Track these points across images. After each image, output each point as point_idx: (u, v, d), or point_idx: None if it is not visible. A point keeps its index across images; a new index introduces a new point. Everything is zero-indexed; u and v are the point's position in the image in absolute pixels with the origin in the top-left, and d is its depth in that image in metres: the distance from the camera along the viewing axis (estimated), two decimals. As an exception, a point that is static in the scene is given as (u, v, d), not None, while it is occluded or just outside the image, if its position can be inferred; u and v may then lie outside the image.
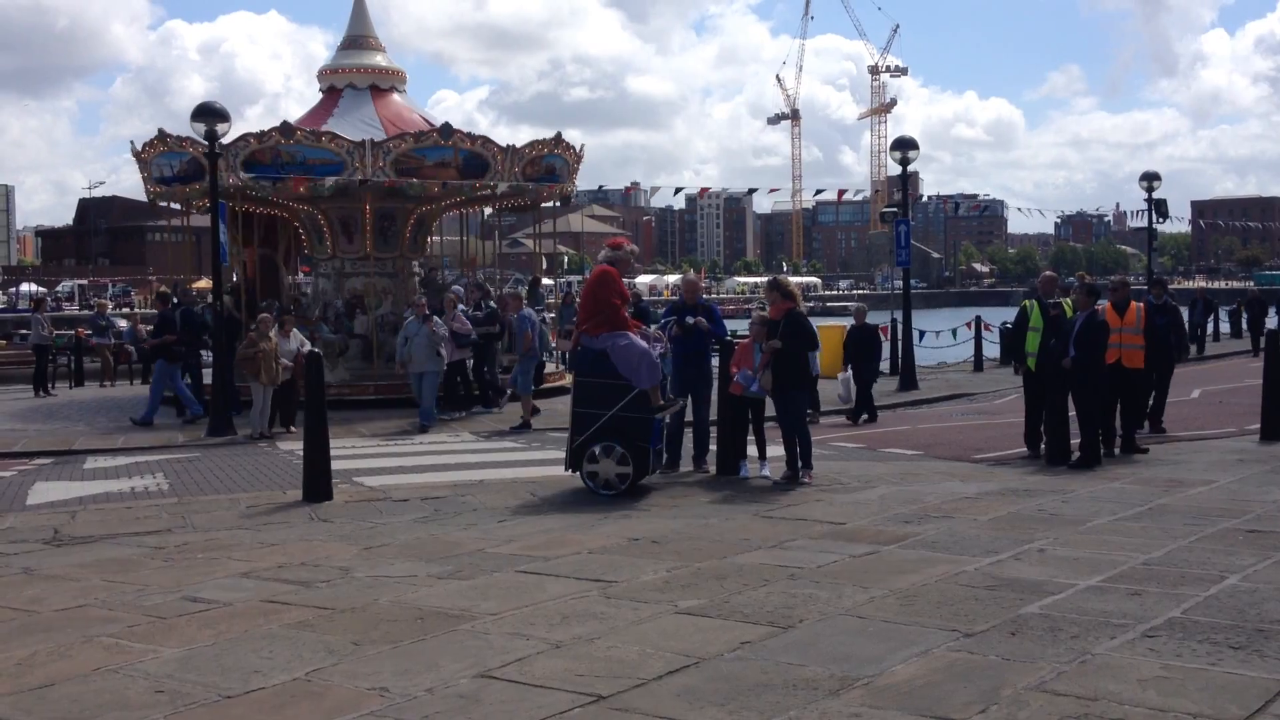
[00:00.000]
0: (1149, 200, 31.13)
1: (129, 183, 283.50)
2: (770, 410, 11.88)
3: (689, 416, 12.44)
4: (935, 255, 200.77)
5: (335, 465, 11.67)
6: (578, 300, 21.68)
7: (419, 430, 16.94)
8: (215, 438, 16.78)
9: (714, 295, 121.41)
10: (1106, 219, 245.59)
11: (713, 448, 12.31)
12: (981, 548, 8.22)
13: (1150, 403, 14.64)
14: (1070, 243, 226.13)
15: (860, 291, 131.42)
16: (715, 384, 12.43)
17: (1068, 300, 12.89)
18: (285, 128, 20.00)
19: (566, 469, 11.25)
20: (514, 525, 9.69)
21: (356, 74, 22.20)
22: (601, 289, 11.08)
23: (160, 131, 21.05)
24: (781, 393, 11.29)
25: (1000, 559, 7.86)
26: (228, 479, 12.81)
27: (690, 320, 11.94)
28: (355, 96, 21.78)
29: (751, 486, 11.36)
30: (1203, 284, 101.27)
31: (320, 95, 22.35)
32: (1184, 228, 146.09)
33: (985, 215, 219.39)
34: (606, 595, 7.15)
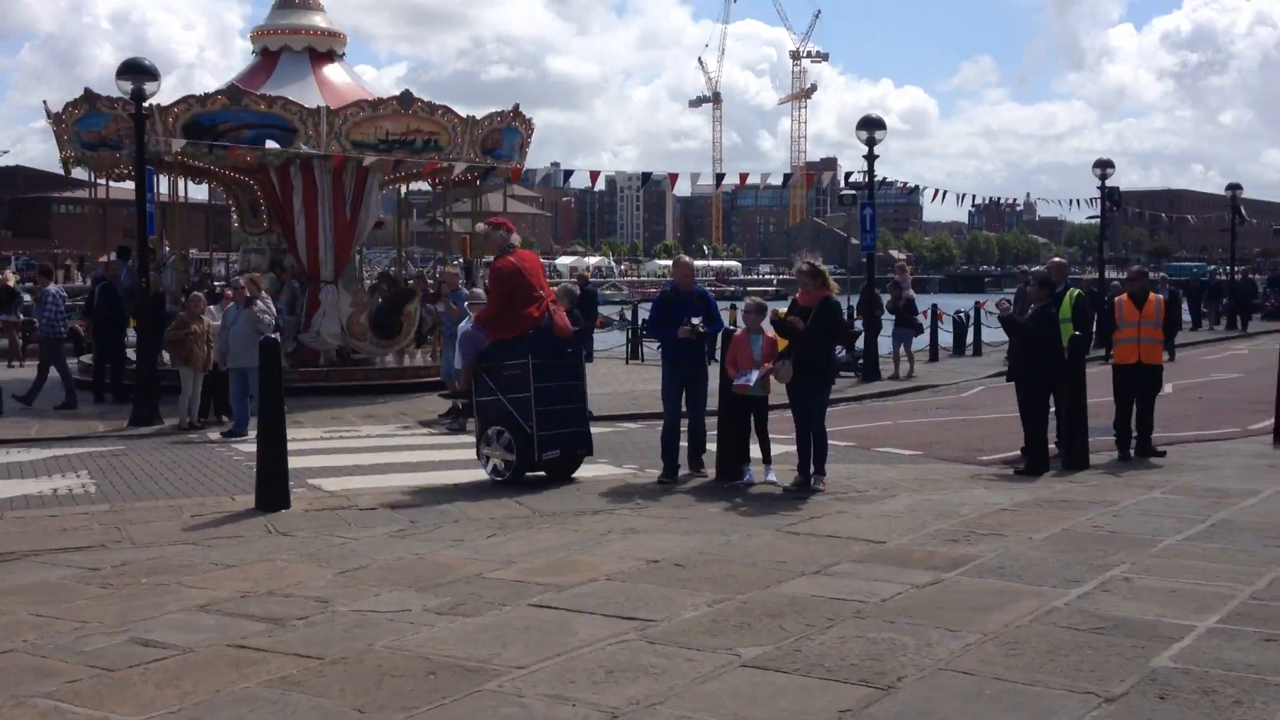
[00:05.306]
0: (1102, 188, 30.55)
1: (35, 152, 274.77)
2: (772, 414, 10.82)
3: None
4: (855, 242, 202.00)
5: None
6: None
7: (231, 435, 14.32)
8: (140, 427, 15.32)
9: (634, 277, 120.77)
10: (1019, 208, 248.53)
11: (710, 448, 11.20)
12: (1056, 575, 7.20)
13: None
14: (984, 231, 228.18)
15: (781, 276, 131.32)
16: (710, 378, 11.35)
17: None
18: (233, 91, 18.45)
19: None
20: (506, 541, 8.49)
21: (290, 35, 20.58)
22: None
23: (86, 91, 19.18)
24: (802, 388, 10.17)
25: (1086, 590, 6.85)
26: (162, 479, 11.40)
27: (695, 322, 10.75)
28: (293, 60, 20.20)
29: (760, 494, 10.27)
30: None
31: (256, 58, 20.71)
32: (1087, 218, 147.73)
33: (901, 203, 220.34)
34: (649, 639, 6.00)
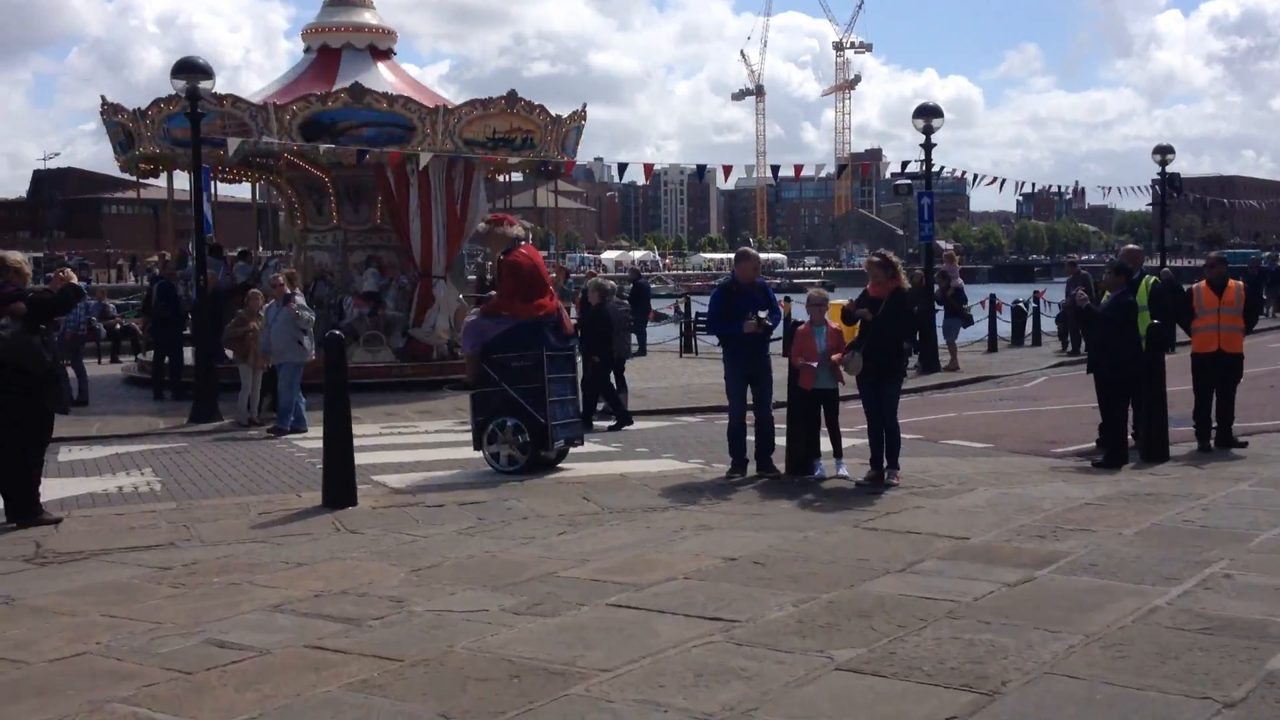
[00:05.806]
0: (1162, 174, 29.95)
1: (85, 154, 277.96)
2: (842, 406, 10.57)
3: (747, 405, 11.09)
4: (900, 232, 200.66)
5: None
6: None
7: (278, 432, 14.27)
8: (200, 424, 15.31)
9: (679, 271, 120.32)
10: (1067, 196, 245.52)
11: (779, 442, 10.97)
12: (1154, 572, 6.94)
13: None
14: (1032, 220, 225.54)
15: (828, 268, 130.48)
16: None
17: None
18: (356, 89, 18.44)
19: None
20: (578, 539, 8.32)
21: (352, 33, 20.53)
22: None
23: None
24: (873, 381, 9.94)
25: (1187, 588, 6.58)
26: (227, 476, 11.34)
27: (761, 315, 10.46)
28: (356, 58, 20.15)
29: (832, 489, 10.04)
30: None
31: (313, 55, 20.65)
32: (1140, 206, 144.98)
33: (948, 193, 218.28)
34: (735, 641, 5.80)
